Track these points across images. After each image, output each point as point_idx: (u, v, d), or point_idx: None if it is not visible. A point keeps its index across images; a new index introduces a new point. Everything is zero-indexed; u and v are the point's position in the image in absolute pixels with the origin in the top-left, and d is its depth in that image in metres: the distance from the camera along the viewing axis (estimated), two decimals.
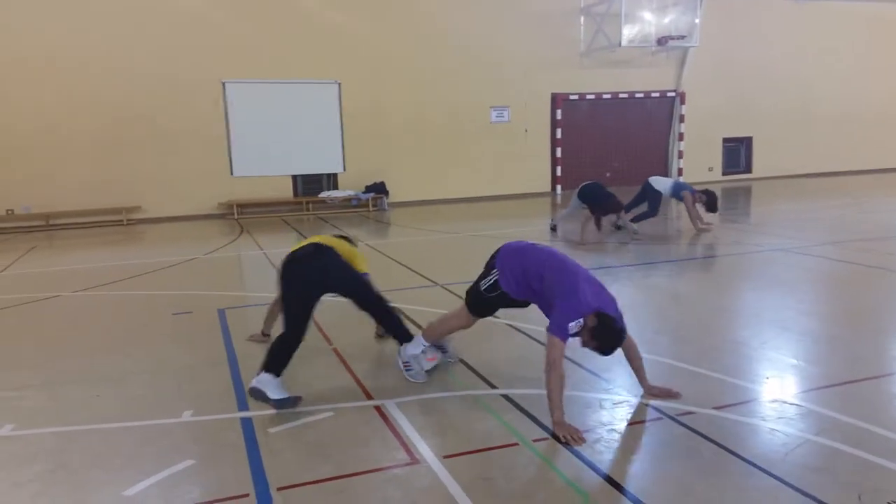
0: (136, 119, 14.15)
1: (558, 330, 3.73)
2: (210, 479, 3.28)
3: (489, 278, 4.26)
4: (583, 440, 3.53)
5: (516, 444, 3.53)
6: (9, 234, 13.31)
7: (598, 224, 10.09)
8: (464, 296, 4.52)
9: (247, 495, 3.09)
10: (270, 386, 3.98)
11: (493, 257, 4.35)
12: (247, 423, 3.86)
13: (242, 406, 4.13)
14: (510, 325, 5.61)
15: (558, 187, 17.63)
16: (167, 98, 14.31)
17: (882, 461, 3.23)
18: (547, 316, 3.96)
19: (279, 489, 3.13)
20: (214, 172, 14.94)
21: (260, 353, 5.00)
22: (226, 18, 14.52)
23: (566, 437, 3.53)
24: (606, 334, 3.73)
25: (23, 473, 3.37)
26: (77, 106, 13.84)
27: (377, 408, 4.04)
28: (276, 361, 4.09)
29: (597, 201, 9.81)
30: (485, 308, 4.43)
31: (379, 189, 15.80)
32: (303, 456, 3.47)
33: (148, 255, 10.10)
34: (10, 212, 13.76)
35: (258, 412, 4.02)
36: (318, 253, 4.49)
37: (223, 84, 14.79)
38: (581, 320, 3.72)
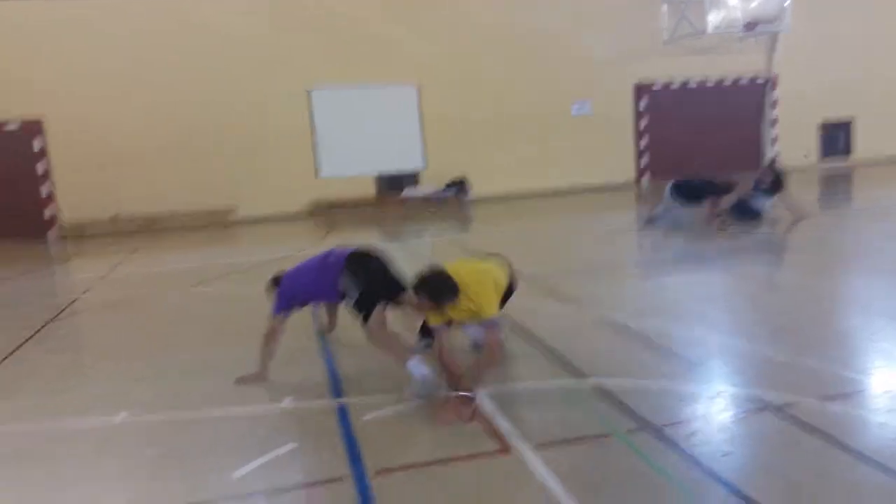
0: (230, 125, 14.78)
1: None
2: (310, 462, 3.40)
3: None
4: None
5: (609, 436, 3.48)
6: (116, 236, 14.16)
7: (714, 211, 9.76)
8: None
9: (346, 478, 3.18)
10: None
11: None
12: (342, 410, 3.98)
13: (337, 393, 4.26)
14: (601, 315, 5.53)
15: (643, 179, 17.21)
16: (259, 106, 14.88)
17: None
18: None
19: (376, 473, 3.22)
20: (303, 174, 15.42)
21: (355, 343, 5.15)
22: (310, 29, 14.99)
23: None
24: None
25: (138, 458, 3.59)
26: (175, 112, 14.57)
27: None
28: None
29: (708, 191, 9.62)
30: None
31: (460, 185, 15.88)
32: (396, 442, 3.55)
33: (244, 254, 10.54)
34: (116, 215, 14.62)
35: (353, 399, 4.13)
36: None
37: (308, 92, 15.26)
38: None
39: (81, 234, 14.35)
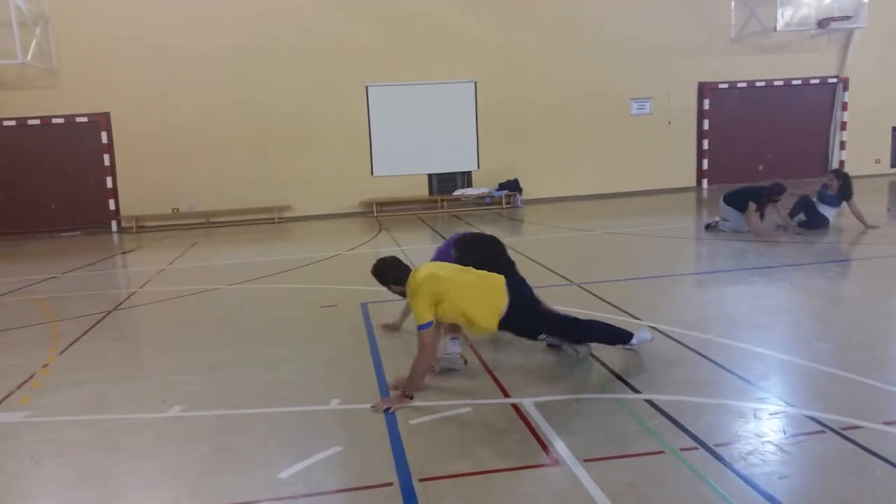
0: (286, 123, 15.04)
1: None
2: (356, 466, 3.41)
3: None
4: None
5: (662, 452, 3.38)
6: (174, 230, 14.57)
7: (762, 215, 9.66)
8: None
9: (391, 484, 3.17)
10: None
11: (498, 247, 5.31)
12: (389, 414, 3.97)
13: (385, 395, 4.26)
14: (653, 328, 5.39)
15: (704, 181, 16.78)
16: (314, 103, 15.09)
17: None
18: None
19: (421, 480, 3.20)
20: (356, 172, 15.57)
21: (402, 347, 5.15)
22: (367, 25, 15.10)
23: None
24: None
25: (191, 452, 3.66)
26: (233, 111, 14.91)
27: (514, 406, 4.02)
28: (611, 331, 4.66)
29: (754, 194, 9.53)
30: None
31: (512, 186, 15.78)
32: (443, 449, 3.52)
33: (297, 251, 10.69)
34: (175, 210, 15.04)
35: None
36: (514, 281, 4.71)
37: (366, 87, 15.35)
38: None
39: (142, 227, 14.82)
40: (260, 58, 14.84)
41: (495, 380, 4.49)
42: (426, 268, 4.52)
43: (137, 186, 14.81)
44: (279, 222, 15.13)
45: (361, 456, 3.50)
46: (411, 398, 4.12)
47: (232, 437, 3.83)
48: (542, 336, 4.71)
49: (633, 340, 4.71)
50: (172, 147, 14.76)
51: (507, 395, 4.22)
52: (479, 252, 5.11)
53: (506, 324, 4.50)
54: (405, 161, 15.83)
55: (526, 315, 4.55)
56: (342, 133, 15.37)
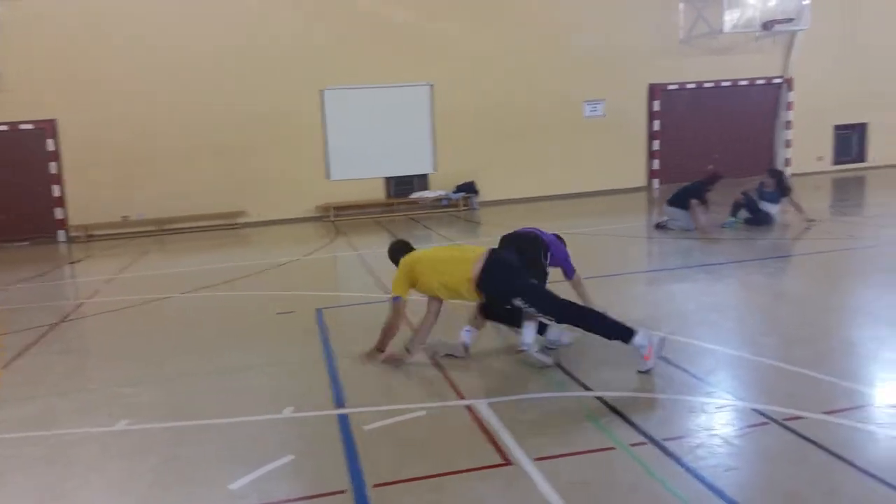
0: (240, 128, 14.82)
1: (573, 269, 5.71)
2: (309, 474, 3.38)
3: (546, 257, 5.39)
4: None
5: (613, 448, 3.44)
6: (125, 239, 14.24)
7: (706, 204, 10.04)
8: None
9: (344, 491, 3.16)
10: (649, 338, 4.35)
11: (535, 239, 5.45)
12: (343, 420, 3.96)
13: (339, 403, 4.25)
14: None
15: (655, 181, 17.10)
16: (269, 107, 14.90)
17: None
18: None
19: (375, 486, 3.19)
20: (312, 177, 15.44)
21: (358, 352, 5.14)
22: (323, 29, 14.98)
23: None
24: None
25: (140, 465, 3.59)
26: (186, 117, 14.64)
27: (469, 408, 4.05)
28: (605, 322, 4.50)
29: (694, 191, 9.95)
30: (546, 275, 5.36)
31: (469, 188, 15.85)
32: (397, 454, 3.52)
33: (252, 258, 10.56)
34: (125, 218, 14.70)
35: (354, 409, 4.12)
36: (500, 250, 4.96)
37: (322, 92, 15.26)
38: None
39: (91, 236, 14.45)
40: (212, 63, 14.61)
41: (450, 382, 4.51)
42: (419, 252, 5.02)
43: (86, 195, 14.42)
44: (234, 228, 14.92)
45: (314, 464, 3.48)
46: (382, 352, 4.92)
47: (182, 448, 3.76)
48: (519, 301, 4.57)
49: (637, 340, 4.33)
50: (122, 154, 14.41)
51: (461, 397, 4.24)
52: (514, 245, 5.33)
53: (484, 287, 4.65)
54: (362, 165, 15.76)
55: (501, 279, 4.63)
56: (298, 137, 15.23)
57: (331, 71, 15.18)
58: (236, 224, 15.11)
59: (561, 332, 4.92)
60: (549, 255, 5.45)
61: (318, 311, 6.62)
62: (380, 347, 4.96)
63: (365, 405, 4.15)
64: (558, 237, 5.78)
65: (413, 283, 4.87)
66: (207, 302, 7.63)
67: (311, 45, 14.94)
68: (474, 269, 4.62)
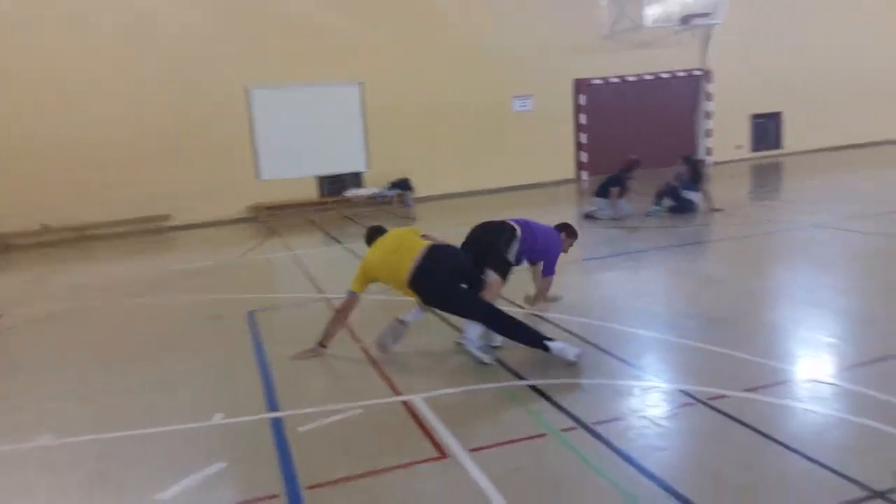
0: (164, 128, 14.35)
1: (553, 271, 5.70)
2: (241, 480, 3.32)
3: (508, 243, 5.32)
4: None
5: (545, 435, 3.51)
6: (44, 247, 13.61)
7: (626, 192, 10.50)
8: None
9: (277, 496, 3.12)
10: (565, 350, 4.37)
11: (499, 228, 5.46)
12: (277, 424, 3.90)
13: (272, 406, 4.18)
14: (536, 315, 5.57)
15: (584, 174, 17.46)
16: (193, 107, 14.49)
17: None
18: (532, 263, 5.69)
19: (309, 488, 3.16)
20: (242, 177, 15.09)
21: (288, 354, 5.07)
22: (248, 26, 14.64)
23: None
24: (572, 230, 5.95)
25: (67, 480, 3.46)
26: (105, 118, 14.08)
27: (405, 403, 4.05)
28: (527, 332, 4.54)
29: (614, 179, 10.42)
30: (508, 265, 5.31)
31: (403, 185, 15.82)
32: (332, 454, 3.49)
33: (180, 262, 10.26)
34: (45, 225, 14.06)
35: (288, 412, 4.06)
36: (435, 255, 4.79)
37: (247, 90, 14.93)
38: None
39: (9, 245, 13.76)
40: (135, 62, 14.07)
41: (386, 379, 4.50)
42: (373, 248, 5.04)
43: (1, 203, 13.71)
44: (160, 232, 14.45)
45: (246, 470, 3.42)
46: (325, 347, 4.99)
47: (109, 461, 3.64)
48: (455, 308, 4.75)
49: (553, 350, 4.40)
50: (39, 159, 13.73)
51: (397, 392, 4.24)
52: (480, 230, 5.55)
53: (416, 288, 4.70)
54: (293, 163, 15.50)
55: (428, 289, 4.69)
56: (225, 137, 14.84)
57: (257, 69, 14.86)
58: (162, 228, 14.64)
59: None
60: (516, 245, 5.37)
61: (250, 313, 6.49)
62: (322, 342, 5.02)
63: (299, 407, 4.10)
64: (565, 229, 5.87)
65: (371, 280, 4.96)
66: (133, 309, 7.38)
67: (236, 43, 14.58)
68: (408, 274, 4.67)
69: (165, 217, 14.70)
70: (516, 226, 5.48)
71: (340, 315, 5.05)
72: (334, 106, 15.63)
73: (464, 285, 4.79)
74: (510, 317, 4.64)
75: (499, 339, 4.87)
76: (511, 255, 5.32)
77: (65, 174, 13.93)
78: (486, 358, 4.60)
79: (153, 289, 8.24)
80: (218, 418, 4.04)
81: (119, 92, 14.07)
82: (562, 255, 5.80)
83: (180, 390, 4.66)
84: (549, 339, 4.44)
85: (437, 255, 4.77)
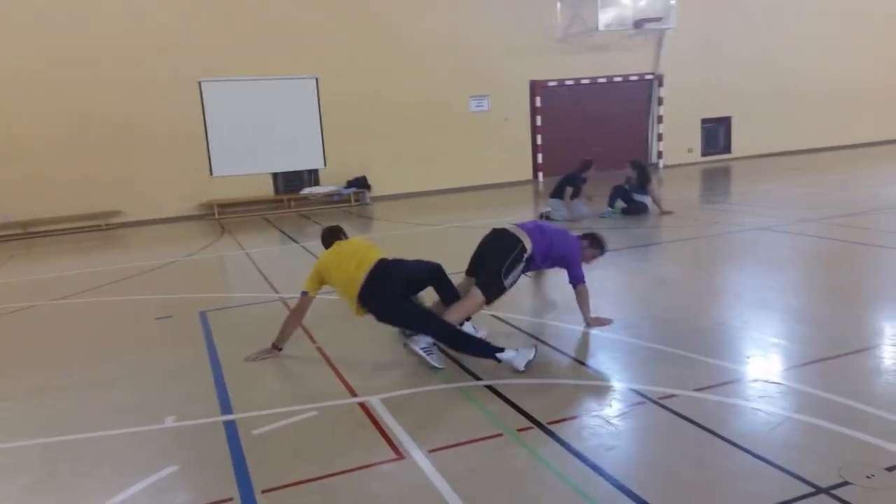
0: (111, 123, 13.99)
1: (582, 277, 5.17)
2: (194, 484, 3.26)
3: (515, 272, 4.88)
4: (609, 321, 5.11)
5: (501, 435, 3.53)
6: None
7: (579, 192, 10.70)
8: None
9: (231, 499, 3.07)
10: (514, 360, 4.33)
11: (509, 243, 4.97)
12: (230, 426, 3.84)
13: (226, 409, 4.11)
14: (493, 316, 5.61)
15: (540, 174, 17.64)
16: (143, 100, 14.16)
17: (861, 435, 3.26)
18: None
19: (263, 491, 3.12)
20: (193, 173, 14.81)
21: (245, 355, 5.00)
22: (199, 17, 14.35)
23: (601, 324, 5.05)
24: (597, 241, 5.35)
25: (10, 485, 3.34)
26: (51, 111, 13.65)
27: (361, 405, 4.03)
28: (478, 344, 4.52)
29: (568, 179, 10.60)
30: (500, 294, 4.88)
31: (360, 183, 15.73)
32: (287, 457, 3.46)
33: (128, 260, 10.01)
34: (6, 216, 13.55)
35: (242, 414, 4.00)
36: (384, 269, 4.66)
37: (199, 83, 14.64)
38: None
39: None
40: (83, 54, 13.67)
41: (342, 380, 4.47)
42: (332, 251, 4.93)
43: None
44: (108, 229, 14.08)
45: (199, 473, 3.35)
46: (280, 349, 4.98)
47: (55, 465, 3.53)
48: (405, 324, 4.73)
49: (503, 360, 4.38)
50: None
51: (354, 394, 4.22)
52: (490, 238, 5.23)
53: (365, 304, 4.65)
54: (247, 160, 15.26)
55: (375, 307, 4.62)
56: (175, 132, 14.53)
57: (208, 62, 14.60)
58: (111, 224, 14.27)
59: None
60: (521, 264, 4.96)
61: (202, 314, 6.37)
62: (276, 344, 4.99)
63: (253, 409, 4.04)
64: (589, 238, 5.33)
65: (324, 282, 4.88)
66: (79, 309, 7.17)
67: (187, 34, 14.28)
68: (358, 288, 4.61)
69: (115, 214, 14.34)
70: (526, 238, 5.04)
71: (294, 316, 4.99)
72: (290, 101, 15.46)
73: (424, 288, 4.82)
74: (460, 331, 4.63)
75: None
76: (516, 274, 4.93)
77: (8, 169, 13.47)
78: (435, 363, 4.55)
79: (100, 288, 8.01)
80: (169, 421, 3.95)
81: (65, 84, 13.67)
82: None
83: (129, 392, 4.55)
84: (499, 350, 4.40)
85: (385, 268, 4.66)
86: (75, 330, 6.40)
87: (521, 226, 5.22)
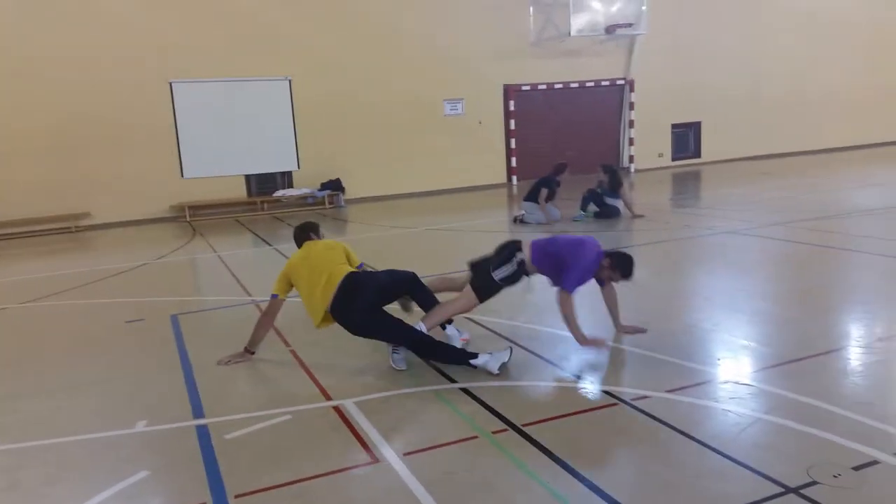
0: (81, 123, 13.75)
1: (567, 286, 4.67)
2: (165, 489, 3.22)
3: (505, 267, 4.78)
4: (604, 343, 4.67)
5: (476, 437, 3.54)
6: None
7: (554, 195, 10.79)
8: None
9: None
10: (488, 364, 4.38)
11: (510, 248, 4.89)
12: (202, 431, 3.80)
13: (198, 413, 4.06)
14: (467, 318, 5.62)
15: (514, 178, 17.72)
16: (114, 100, 13.94)
17: (829, 436, 3.33)
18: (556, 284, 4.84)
19: (237, 496, 3.09)
20: (165, 175, 14.62)
21: (218, 359, 4.94)
22: (172, 16, 14.18)
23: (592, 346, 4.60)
24: (622, 261, 4.80)
25: None
26: (18, 112, 13.38)
27: (336, 408, 4.01)
28: (452, 352, 4.56)
29: (542, 182, 10.70)
30: (493, 292, 4.85)
31: (335, 186, 15.66)
32: (261, 461, 3.42)
33: (98, 263, 9.85)
34: None
35: (214, 419, 3.95)
36: (355, 283, 4.59)
37: (170, 84, 14.46)
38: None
39: None
40: (52, 54, 13.42)
41: (316, 383, 4.45)
42: (302, 252, 4.85)
43: None
44: (78, 231, 13.83)
45: (171, 478, 3.31)
46: (252, 353, 4.95)
47: (22, 472, 3.46)
48: (379, 337, 4.68)
49: (478, 365, 4.42)
50: None
51: (328, 397, 4.19)
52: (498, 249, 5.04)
53: (338, 319, 4.62)
54: (219, 162, 15.10)
55: (355, 314, 4.55)
56: (146, 133, 14.32)
57: (180, 63, 14.42)
58: (80, 227, 14.02)
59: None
60: (516, 261, 4.81)
61: (174, 317, 6.29)
62: (248, 347, 4.96)
63: (226, 414, 4.00)
64: (613, 256, 4.83)
65: (292, 285, 4.80)
66: (48, 312, 7.03)
67: (158, 33, 14.10)
68: (328, 304, 4.57)
69: (84, 216, 14.09)
70: (528, 242, 4.93)
71: (265, 319, 4.94)
72: (263, 102, 15.34)
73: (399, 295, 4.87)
74: (434, 341, 4.63)
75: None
76: (508, 269, 4.79)
77: None
78: (396, 363, 4.58)
79: (70, 290, 7.87)
80: (141, 426, 3.90)
81: (36, 83, 13.41)
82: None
83: (99, 397, 4.47)
84: (473, 356, 4.43)
85: (355, 282, 4.58)
86: (44, 334, 6.28)
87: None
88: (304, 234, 5.07)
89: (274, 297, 4.81)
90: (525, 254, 4.83)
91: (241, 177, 15.46)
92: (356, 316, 4.55)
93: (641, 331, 4.95)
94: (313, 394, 4.27)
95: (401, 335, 4.56)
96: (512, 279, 4.81)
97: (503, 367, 4.38)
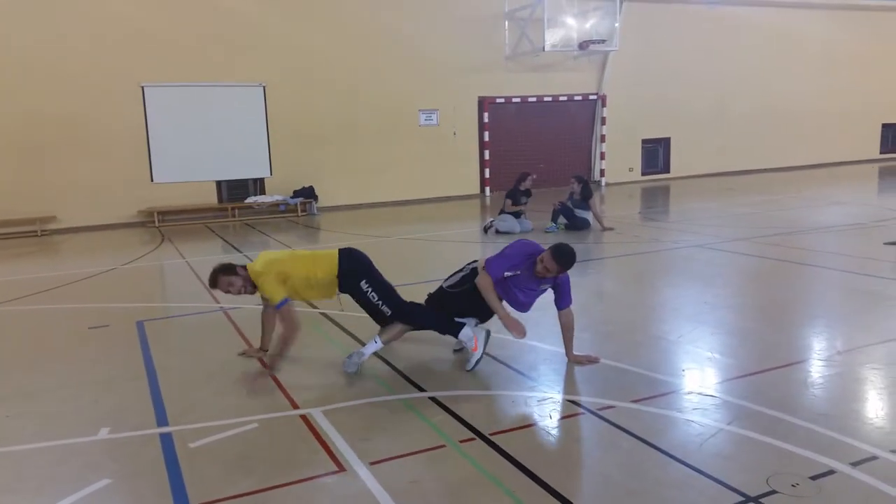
0: (49, 125, 13.51)
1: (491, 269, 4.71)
2: (127, 498, 3.17)
3: (455, 275, 5.00)
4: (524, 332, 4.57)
5: (444, 446, 3.55)
6: None
7: (517, 202, 11.20)
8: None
9: None
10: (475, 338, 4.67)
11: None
12: (166, 439, 3.75)
13: (162, 421, 4.01)
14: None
15: (487, 189, 17.81)
16: (82, 103, 13.72)
17: (788, 446, 3.41)
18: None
19: None
20: (134, 179, 14.41)
21: (184, 366, 4.89)
22: (145, 19, 14.04)
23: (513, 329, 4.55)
24: (559, 252, 4.63)
25: None
26: None
27: (303, 417, 3.99)
28: (444, 322, 4.79)
29: (511, 191, 11.26)
30: (446, 304, 4.97)
31: (307, 194, 15.59)
32: (225, 470, 3.39)
33: (63, 268, 9.67)
34: None
35: (178, 427, 3.91)
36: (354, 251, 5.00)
37: (142, 88, 14.30)
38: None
39: None
40: (20, 55, 13.18)
41: (284, 392, 4.42)
42: (262, 256, 4.85)
43: None
44: (44, 235, 13.56)
45: (133, 487, 3.26)
46: (265, 351, 5.05)
47: None
48: (364, 284, 4.81)
49: (461, 336, 4.70)
50: None
51: (295, 406, 4.17)
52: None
53: (345, 269, 4.81)
54: (190, 167, 14.94)
55: (355, 269, 4.83)
56: (115, 136, 14.11)
57: (152, 67, 14.26)
58: (46, 230, 13.75)
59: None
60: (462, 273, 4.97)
61: (139, 323, 6.21)
62: (262, 347, 5.15)
63: (191, 422, 3.96)
64: (552, 248, 4.68)
65: (285, 283, 4.69)
66: (11, 317, 6.88)
67: (129, 36, 13.93)
68: (335, 266, 4.80)
69: (50, 219, 13.83)
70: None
71: (291, 331, 4.63)
72: (236, 108, 15.23)
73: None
74: (417, 304, 4.97)
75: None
76: (457, 276, 4.97)
77: None
78: (348, 366, 4.70)
79: (34, 295, 7.72)
80: (104, 433, 3.84)
81: (3, 83, 13.14)
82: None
83: (60, 403, 4.39)
84: (461, 326, 4.76)
85: (353, 250, 5.00)
86: (6, 339, 6.14)
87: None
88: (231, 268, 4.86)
89: (285, 301, 4.61)
90: (479, 262, 4.94)
91: (212, 182, 15.31)
92: (364, 258, 4.94)
93: (594, 361, 4.73)
94: (280, 402, 4.25)
95: (386, 294, 4.84)
96: (460, 284, 4.95)
97: (478, 362, 4.69)
